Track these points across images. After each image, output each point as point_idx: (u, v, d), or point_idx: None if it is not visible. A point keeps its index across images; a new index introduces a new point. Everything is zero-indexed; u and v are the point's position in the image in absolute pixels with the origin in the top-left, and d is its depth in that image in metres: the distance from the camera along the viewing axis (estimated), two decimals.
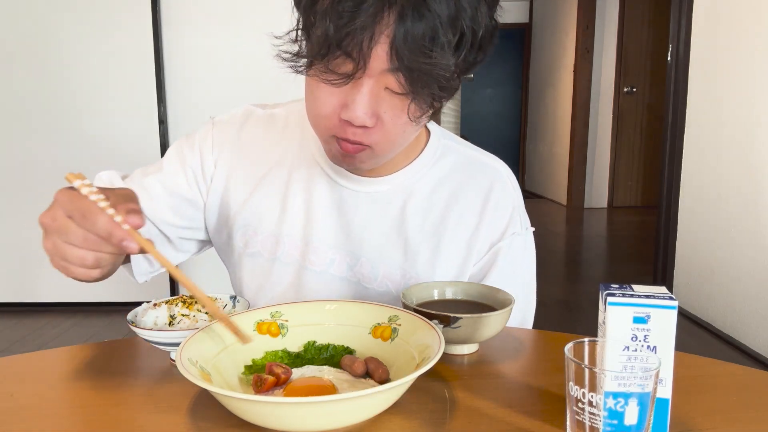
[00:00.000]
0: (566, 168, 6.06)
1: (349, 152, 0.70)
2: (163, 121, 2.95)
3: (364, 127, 0.67)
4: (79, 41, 2.89)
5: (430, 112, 0.69)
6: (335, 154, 0.73)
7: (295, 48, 0.66)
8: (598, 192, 6.02)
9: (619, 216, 5.73)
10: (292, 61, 0.66)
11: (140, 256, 0.83)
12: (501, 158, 0.92)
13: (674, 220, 3.13)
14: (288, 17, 0.68)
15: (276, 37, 0.67)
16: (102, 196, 0.56)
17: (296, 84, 0.73)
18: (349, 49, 0.60)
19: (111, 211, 0.55)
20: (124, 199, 0.59)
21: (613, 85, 5.78)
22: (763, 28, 2.46)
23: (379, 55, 0.61)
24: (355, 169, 0.81)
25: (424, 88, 0.63)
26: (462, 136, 0.96)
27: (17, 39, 2.88)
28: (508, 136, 7.90)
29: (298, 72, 0.66)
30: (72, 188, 0.57)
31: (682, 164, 3.06)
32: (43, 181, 2.96)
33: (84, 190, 0.56)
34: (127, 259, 0.83)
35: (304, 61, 0.65)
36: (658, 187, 3.36)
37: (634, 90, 5.75)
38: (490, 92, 7.95)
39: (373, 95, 0.65)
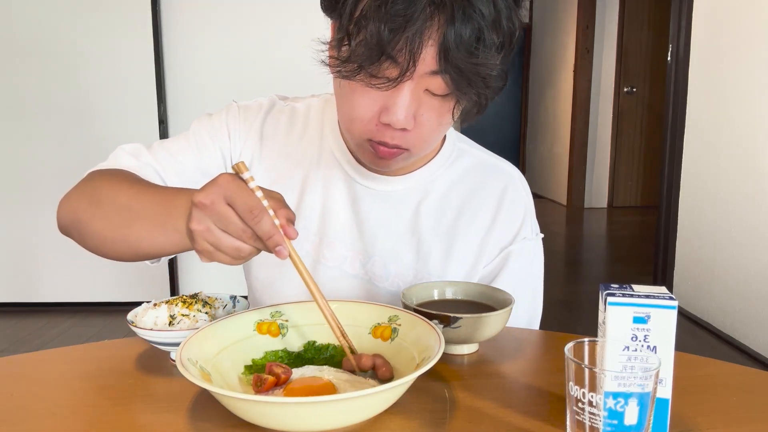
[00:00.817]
0: (566, 168, 6.05)
1: (385, 157, 0.71)
2: (163, 121, 2.95)
3: (403, 129, 0.67)
4: (79, 41, 2.89)
5: (475, 111, 0.70)
6: (370, 157, 0.74)
7: (340, 54, 0.65)
8: (598, 192, 6.01)
9: (619, 216, 5.73)
10: (339, 67, 0.65)
11: None
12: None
13: (674, 220, 3.13)
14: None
15: (323, 43, 0.67)
16: (262, 194, 0.57)
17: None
18: (399, 53, 0.60)
19: (272, 212, 0.57)
20: (280, 204, 0.60)
21: (613, 85, 5.78)
22: (763, 28, 2.46)
23: (426, 58, 0.62)
24: (387, 171, 0.81)
25: (471, 87, 0.64)
26: None
27: (17, 39, 2.88)
28: (508, 136, 7.90)
29: (344, 77, 0.66)
30: (238, 177, 0.57)
31: (682, 164, 3.06)
32: (43, 181, 2.96)
33: (251, 184, 0.57)
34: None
35: (351, 66, 0.64)
36: (658, 187, 3.36)
37: (634, 90, 5.74)
38: None
39: (414, 98, 0.66)
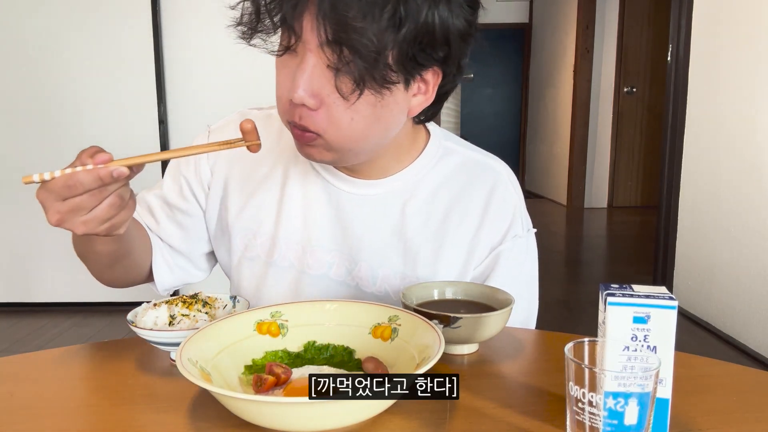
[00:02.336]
0: (566, 168, 6.05)
1: (299, 140, 0.71)
2: (163, 121, 2.95)
3: (308, 109, 0.66)
4: (79, 41, 2.89)
5: (359, 92, 0.64)
6: (296, 143, 0.74)
7: (244, 18, 0.67)
8: (598, 192, 6.01)
9: (619, 216, 5.73)
10: (238, 31, 0.67)
11: (163, 270, 0.89)
12: (501, 158, 0.92)
13: (674, 220, 3.13)
14: None
15: (230, 8, 0.68)
16: (60, 168, 0.59)
17: None
18: (277, 18, 0.62)
19: (80, 168, 0.58)
20: (80, 155, 0.61)
21: (613, 85, 5.77)
22: (763, 28, 2.46)
23: (309, 26, 0.62)
24: (317, 162, 0.79)
25: (349, 62, 0.62)
26: (462, 136, 0.96)
27: (17, 39, 2.87)
28: (508, 136, 7.90)
29: (245, 41, 0.68)
30: (42, 183, 0.59)
31: (682, 164, 3.06)
32: None
33: (46, 176, 0.58)
34: (150, 277, 0.89)
35: (241, 27, 0.67)
36: (658, 187, 3.36)
37: (634, 90, 5.74)
38: (490, 92, 7.94)
39: (315, 73, 0.65)
